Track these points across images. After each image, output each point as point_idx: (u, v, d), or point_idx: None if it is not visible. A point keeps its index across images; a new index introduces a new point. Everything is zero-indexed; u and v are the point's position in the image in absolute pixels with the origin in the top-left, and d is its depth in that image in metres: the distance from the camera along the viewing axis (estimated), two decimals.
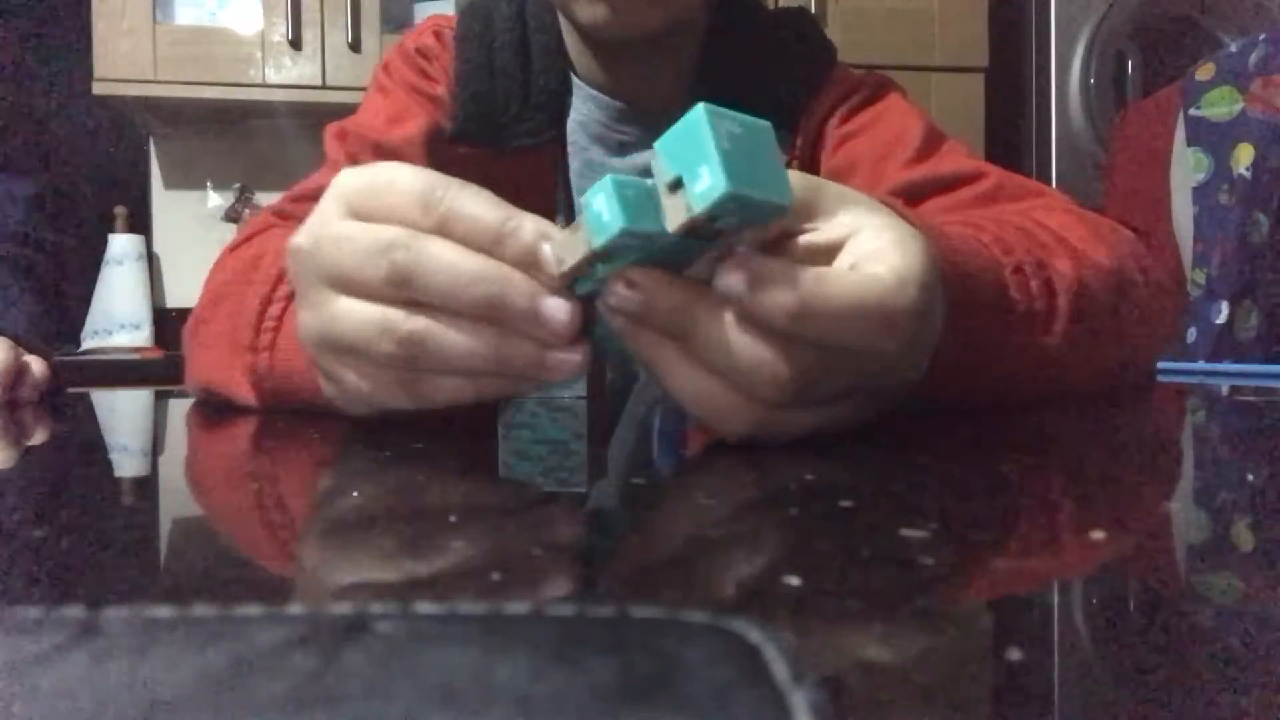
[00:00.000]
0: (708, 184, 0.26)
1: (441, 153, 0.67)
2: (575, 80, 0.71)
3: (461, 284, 0.29)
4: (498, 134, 0.68)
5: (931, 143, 0.66)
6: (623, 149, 0.71)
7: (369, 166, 0.32)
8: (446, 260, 0.29)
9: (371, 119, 0.68)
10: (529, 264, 0.29)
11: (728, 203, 0.26)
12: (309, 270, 0.32)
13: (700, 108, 0.26)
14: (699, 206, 0.26)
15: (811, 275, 0.27)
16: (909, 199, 0.59)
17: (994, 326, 0.39)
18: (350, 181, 0.32)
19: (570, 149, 0.71)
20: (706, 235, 0.27)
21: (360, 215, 0.31)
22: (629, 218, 0.26)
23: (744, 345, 0.28)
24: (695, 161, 0.26)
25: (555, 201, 0.70)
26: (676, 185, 0.26)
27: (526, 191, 0.39)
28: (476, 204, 0.30)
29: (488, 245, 0.29)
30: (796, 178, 0.30)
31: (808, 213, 0.31)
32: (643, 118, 0.71)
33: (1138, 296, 0.49)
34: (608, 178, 0.27)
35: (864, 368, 0.30)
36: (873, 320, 0.28)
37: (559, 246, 0.29)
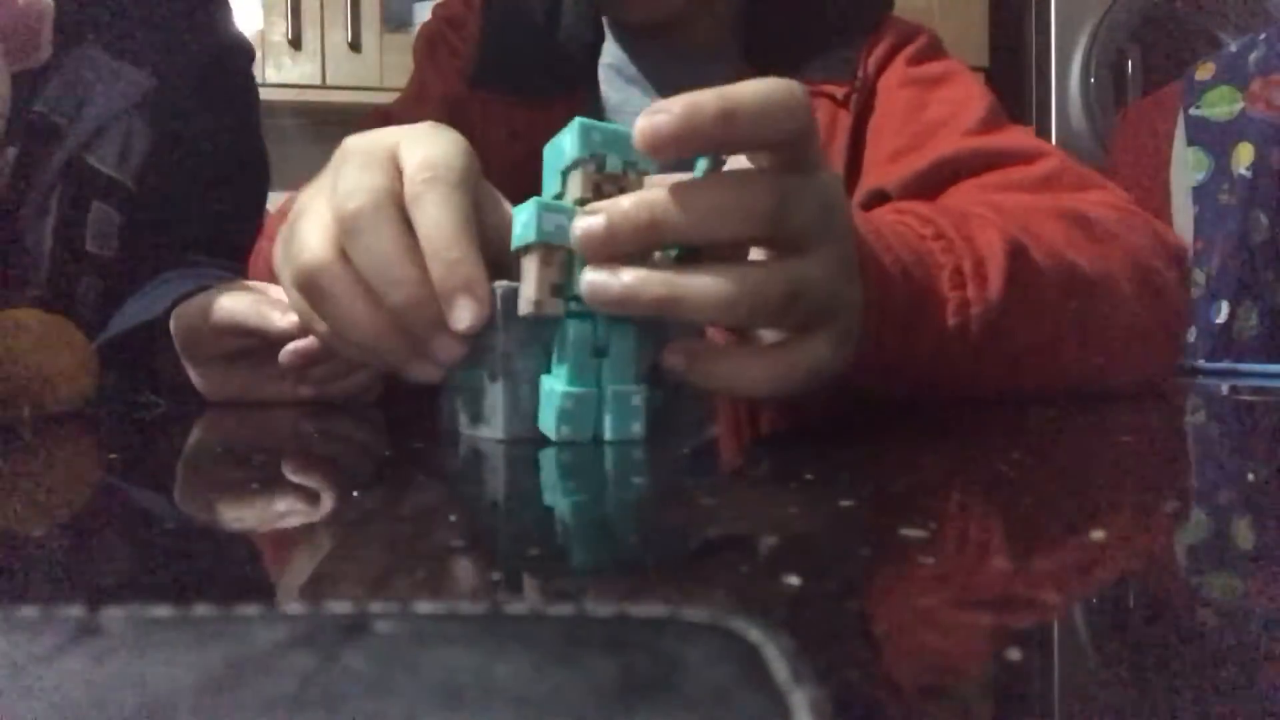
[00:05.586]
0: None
1: (465, 113, 0.67)
2: (608, 22, 0.69)
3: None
4: (522, 83, 0.68)
5: (996, 118, 0.65)
6: (661, 91, 0.69)
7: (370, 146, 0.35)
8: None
9: (401, 99, 0.72)
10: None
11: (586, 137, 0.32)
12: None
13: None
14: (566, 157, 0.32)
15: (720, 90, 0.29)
16: (963, 168, 0.59)
17: (914, 297, 0.39)
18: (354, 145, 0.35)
19: (604, 94, 0.70)
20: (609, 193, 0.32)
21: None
22: (541, 210, 0.31)
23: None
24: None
25: None
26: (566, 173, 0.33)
27: None
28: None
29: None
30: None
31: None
32: (683, 58, 0.69)
33: (1114, 307, 0.48)
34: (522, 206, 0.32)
35: (813, 274, 0.31)
36: (778, 98, 0.30)
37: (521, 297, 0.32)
